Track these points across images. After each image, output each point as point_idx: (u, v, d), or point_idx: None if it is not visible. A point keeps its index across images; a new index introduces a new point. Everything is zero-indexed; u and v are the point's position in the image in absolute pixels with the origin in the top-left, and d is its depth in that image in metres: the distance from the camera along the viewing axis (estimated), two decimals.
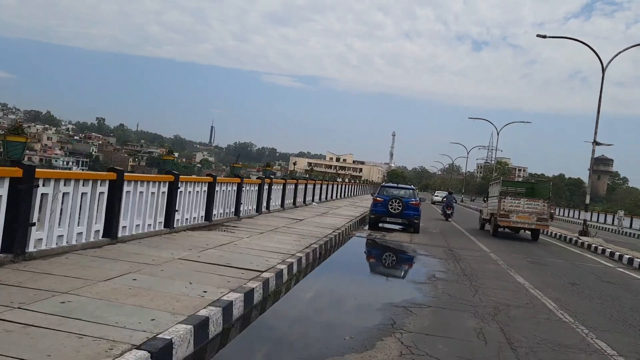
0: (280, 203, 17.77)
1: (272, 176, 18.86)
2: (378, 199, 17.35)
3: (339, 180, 55.57)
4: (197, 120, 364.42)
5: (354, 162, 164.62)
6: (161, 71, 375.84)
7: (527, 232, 19.77)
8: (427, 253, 12.50)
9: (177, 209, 9.55)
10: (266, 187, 15.58)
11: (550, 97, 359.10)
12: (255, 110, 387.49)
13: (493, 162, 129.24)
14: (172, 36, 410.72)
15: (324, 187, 27.72)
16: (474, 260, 11.81)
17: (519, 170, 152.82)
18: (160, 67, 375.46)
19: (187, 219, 10.23)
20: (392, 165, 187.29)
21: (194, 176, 12.10)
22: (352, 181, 53.74)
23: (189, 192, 10.21)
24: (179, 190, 9.55)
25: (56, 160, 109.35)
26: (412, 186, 20.54)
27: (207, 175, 11.64)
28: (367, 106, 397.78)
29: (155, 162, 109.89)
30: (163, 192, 9.09)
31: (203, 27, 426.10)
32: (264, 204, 15.62)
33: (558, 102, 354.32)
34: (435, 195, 51.26)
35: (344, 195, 36.49)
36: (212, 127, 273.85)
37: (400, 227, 17.64)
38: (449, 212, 25.81)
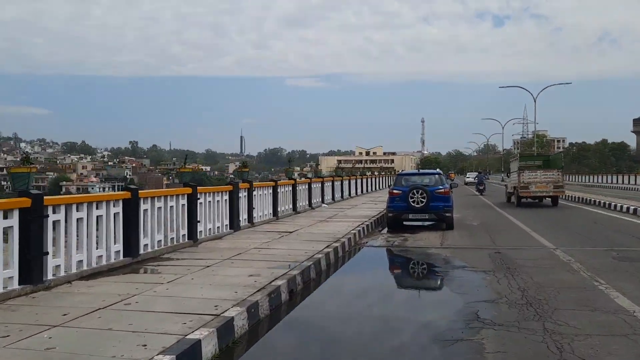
0: (271, 212, 14.04)
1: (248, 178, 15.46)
2: (395, 191, 13.52)
3: (368, 174, 51.94)
4: (227, 132, 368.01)
5: (384, 153, 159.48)
6: (187, 89, 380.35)
7: (547, 199, 21.89)
8: (464, 264, 8.52)
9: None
10: (244, 194, 11.97)
11: (580, 63, 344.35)
12: (282, 115, 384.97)
13: (530, 135, 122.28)
14: (194, 53, 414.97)
15: (339, 183, 23.96)
16: (535, 269, 7.75)
17: (558, 141, 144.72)
18: (186, 85, 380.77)
19: None
20: (425, 152, 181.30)
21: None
22: (379, 173, 49.46)
23: None
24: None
25: (92, 188, 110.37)
26: (437, 170, 17.02)
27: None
28: (393, 97, 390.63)
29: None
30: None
31: (223, 41, 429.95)
32: (243, 216, 11.92)
33: (589, 67, 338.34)
34: (467, 177, 52.94)
35: (368, 190, 33.10)
36: (241, 137, 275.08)
37: (430, 222, 13.78)
38: (480, 187, 31.68)
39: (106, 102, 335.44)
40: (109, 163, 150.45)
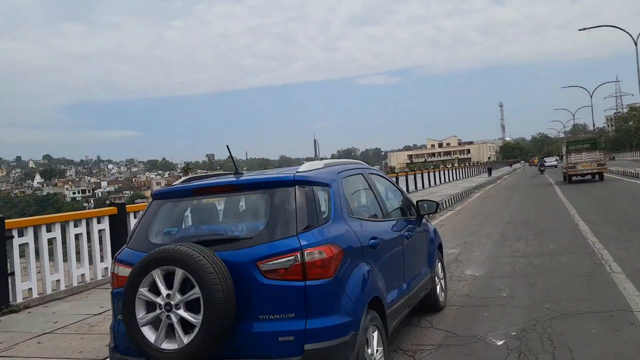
0: None
1: None
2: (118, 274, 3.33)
3: (455, 165, 53.01)
4: (301, 137, 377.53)
5: (459, 143, 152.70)
6: (260, 99, 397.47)
7: (588, 176, 26.31)
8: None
9: None
10: None
11: None
12: (354, 115, 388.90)
13: (625, 109, 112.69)
14: (266, 64, 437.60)
15: (403, 179, 23.76)
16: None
17: None
18: (260, 95, 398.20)
19: None
20: (508, 138, 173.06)
21: None
22: (447, 165, 47.54)
23: None
24: None
25: None
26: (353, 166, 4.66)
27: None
28: (468, 85, 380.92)
29: None
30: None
31: (292, 48, 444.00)
32: None
33: None
34: (545, 162, 55.25)
35: (437, 183, 31.11)
36: (314, 140, 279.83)
37: None
38: (542, 169, 44.49)
39: (186, 119, 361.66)
40: (182, 178, 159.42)
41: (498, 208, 16.15)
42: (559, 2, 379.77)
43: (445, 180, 33.48)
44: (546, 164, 52.72)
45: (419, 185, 26.37)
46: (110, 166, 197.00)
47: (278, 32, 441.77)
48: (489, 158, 55.51)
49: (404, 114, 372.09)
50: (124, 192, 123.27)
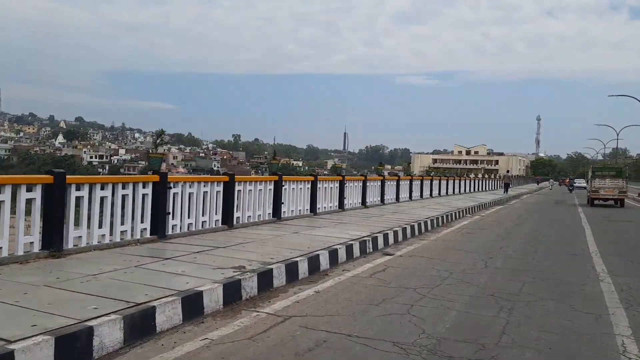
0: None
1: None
2: None
3: (472, 176, 48.20)
4: (333, 128, 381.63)
5: (488, 153, 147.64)
6: (299, 86, 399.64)
7: (611, 201, 27.91)
8: None
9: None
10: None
11: None
12: (389, 113, 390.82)
13: None
14: (307, 52, 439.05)
15: (418, 183, 23.33)
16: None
17: None
18: (298, 82, 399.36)
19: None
20: (542, 154, 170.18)
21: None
22: (456, 176, 39.11)
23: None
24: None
25: None
26: None
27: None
28: (509, 95, 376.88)
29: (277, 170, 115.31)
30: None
31: (335, 39, 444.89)
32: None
33: None
34: (575, 183, 59.68)
35: (455, 192, 30.58)
36: (345, 133, 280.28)
37: None
38: (570, 188, 51.35)
39: (224, 98, 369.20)
40: (200, 154, 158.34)
41: (484, 251, 9.71)
42: (614, 21, 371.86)
43: (451, 192, 29.63)
44: (575, 184, 56.31)
45: (420, 193, 23.48)
46: (137, 135, 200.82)
47: (323, 22, 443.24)
48: (508, 172, 46.73)
49: (439, 117, 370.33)
50: (140, 162, 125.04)
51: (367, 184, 17.25)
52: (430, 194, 25.44)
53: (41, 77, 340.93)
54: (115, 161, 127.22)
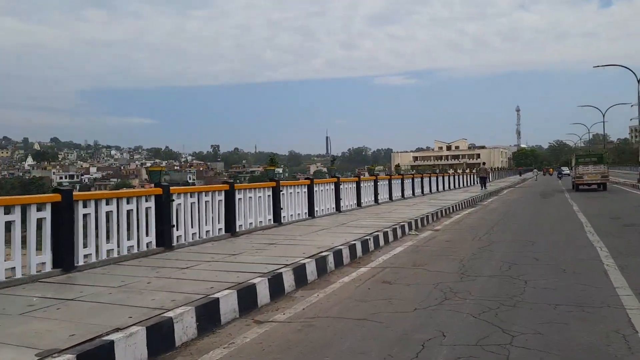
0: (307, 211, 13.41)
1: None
2: None
3: (451, 171, 44.38)
4: (315, 133, 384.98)
5: (469, 147, 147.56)
6: (278, 93, 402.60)
7: (594, 185, 30.05)
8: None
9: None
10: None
11: None
12: (370, 114, 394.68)
13: None
14: (285, 58, 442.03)
15: (398, 182, 21.76)
16: None
17: None
18: (278, 89, 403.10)
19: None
20: (524, 145, 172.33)
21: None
22: (439, 172, 35.54)
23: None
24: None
25: None
26: None
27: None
28: (487, 90, 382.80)
29: (256, 180, 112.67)
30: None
31: (312, 44, 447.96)
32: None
33: None
34: (563, 171, 64.33)
35: (439, 189, 28.94)
36: (327, 137, 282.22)
37: None
38: (559, 176, 56.65)
39: (204, 110, 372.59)
40: (175, 167, 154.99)
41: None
42: (584, 11, 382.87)
43: (421, 192, 25.73)
44: (564, 172, 61.11)
45: (389, 194, 20.66)
46: (113, 152, 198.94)
47: (299, 27, 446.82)
48: (484, 164, 39.93)
49: (420, 115, 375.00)
50: (111, 179, 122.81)
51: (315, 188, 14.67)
52: (402, 195, 22.18)
53: (15, 100, 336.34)
54: (86, 180, 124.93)
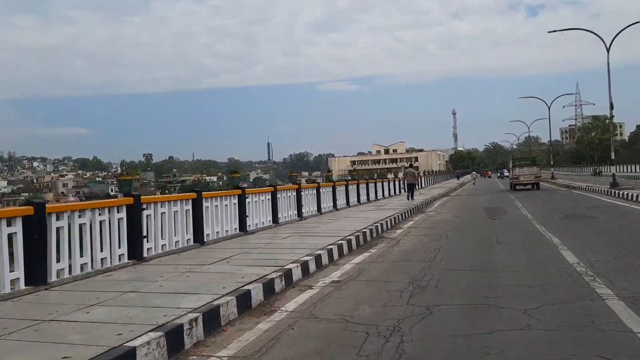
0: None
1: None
2: None
3: (390, 176, 41.93)
4: (258, 140, 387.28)
5: (407, 150, 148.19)
6: (221, 100, 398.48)
7: (529, 186, 33.77)
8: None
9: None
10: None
11: (623, 47, 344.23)
12: (312, 120, 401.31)
13: (579, 122, 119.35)
14: (227, 65, 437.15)
15: (329, 190, 18.81)
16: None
17: (620, 126, 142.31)
18: (219, 97, 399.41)
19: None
20: (461, 148, 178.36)
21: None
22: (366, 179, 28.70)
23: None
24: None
25: None
26: None
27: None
28: (426, 95, 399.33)
29: (187, 189, 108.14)
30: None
31: (254, 50, 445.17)
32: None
33: (633, 50, 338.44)
34: (504, 172, 68.92)
35: (377, 197, 26.45)
36: (268, 143, 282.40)
37: None
38: (500, 177, 65.66)
39: (143, 118, 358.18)
40: (98, 178, 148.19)
41: None
42: (514, 20, 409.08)
43: (345, 203, 20.95)
44: (505, 174, 66.15)
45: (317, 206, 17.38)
46: (35, 164, 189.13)
47: (241, 34, 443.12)
48: (411, 165, 30.54)
49: (362, 121, 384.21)
50: (22, 194, 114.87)
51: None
52: (318, 210, 17.45)
53: None
54: None
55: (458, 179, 69.32)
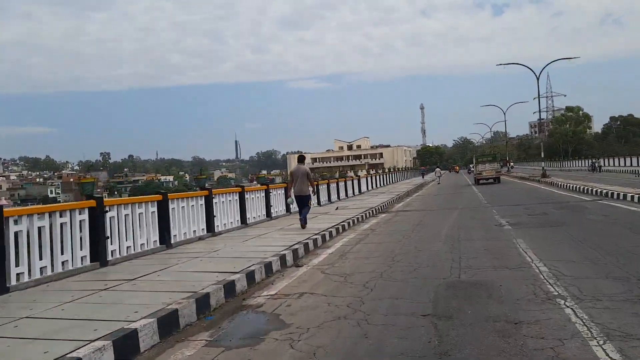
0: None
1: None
2: None
3: (351, 174, 38.39)
4: (225, 138, 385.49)
5: (371, 147, 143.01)
6: (187, 97, 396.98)
7: (491, 180, 37.54)
8: None
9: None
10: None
11: (584, 46, 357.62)
12: (281, 117, 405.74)
13: (551, 115, 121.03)
14: (193, 61, 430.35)
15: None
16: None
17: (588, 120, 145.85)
18: (185, 94, 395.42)
19: None
20: (429, 144, 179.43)
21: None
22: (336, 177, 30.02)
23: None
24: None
25: None
26: None
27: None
28: (395, 92, 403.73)
29: (140, 190, 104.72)
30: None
31: (221, 47, 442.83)
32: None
33: (593, 49, 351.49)
34: (472, 168, 70.56)
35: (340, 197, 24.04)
36: (236, 141, 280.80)
37: None
38: (469, 172, 61.39)
39: (105, 116, 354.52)
40: (38, 180, 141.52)
41: None
42: (480, 17, 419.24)
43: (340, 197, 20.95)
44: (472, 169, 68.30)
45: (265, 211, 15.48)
46: None
47: (207, 30, 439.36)
48: (300, 159, 14.23)
49: (331, 118, 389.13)
50: None
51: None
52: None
53: None
54: None
55: (423, 177, 64.54)
